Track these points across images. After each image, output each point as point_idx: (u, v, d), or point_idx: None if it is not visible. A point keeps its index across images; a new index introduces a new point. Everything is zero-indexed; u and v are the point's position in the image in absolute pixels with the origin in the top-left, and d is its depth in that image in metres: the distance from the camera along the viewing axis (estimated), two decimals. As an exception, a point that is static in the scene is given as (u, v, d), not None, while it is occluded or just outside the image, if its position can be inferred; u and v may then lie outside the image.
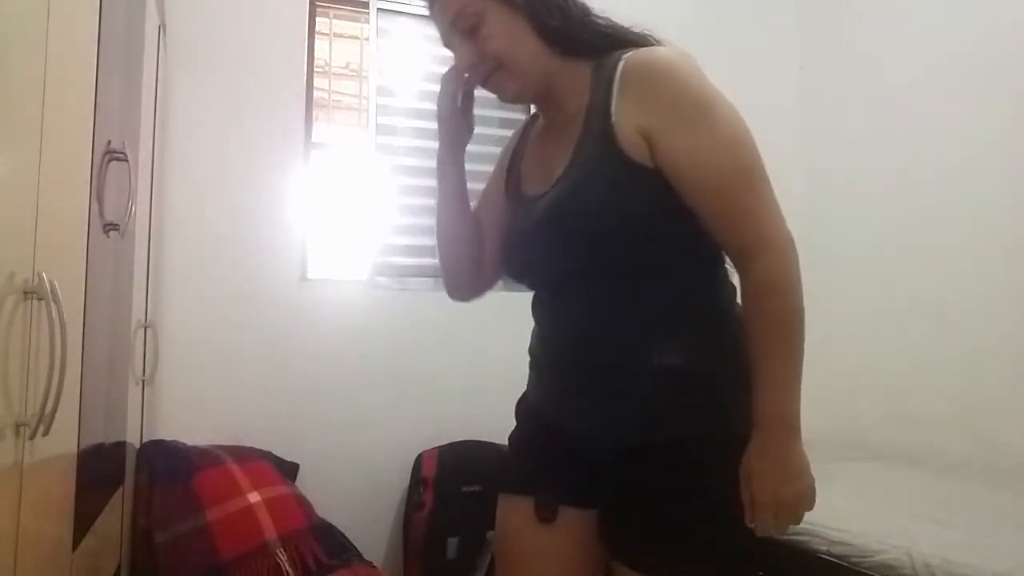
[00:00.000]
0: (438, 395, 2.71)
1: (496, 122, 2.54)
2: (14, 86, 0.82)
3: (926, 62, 2.89)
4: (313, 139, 2.74)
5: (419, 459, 2.59)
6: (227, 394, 2.49)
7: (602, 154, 1.00)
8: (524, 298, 1.18)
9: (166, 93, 2.38)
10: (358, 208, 2.78)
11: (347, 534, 2.26)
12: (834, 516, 1.93)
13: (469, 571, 2.41)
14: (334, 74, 2.93)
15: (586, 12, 1.09)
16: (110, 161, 1.32)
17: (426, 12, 1.13)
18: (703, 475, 1.00)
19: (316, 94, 2.80)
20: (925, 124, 2.88)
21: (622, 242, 1.00)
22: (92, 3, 1.15)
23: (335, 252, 2.80)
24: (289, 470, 2.41)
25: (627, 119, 0.98)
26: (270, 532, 2.05)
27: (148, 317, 2.12)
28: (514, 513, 1.15)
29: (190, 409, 2.41)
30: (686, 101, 0.98)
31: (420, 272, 2.77)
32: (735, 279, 1.06)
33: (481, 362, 2.64)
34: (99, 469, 1.43)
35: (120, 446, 1.73)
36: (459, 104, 1.18)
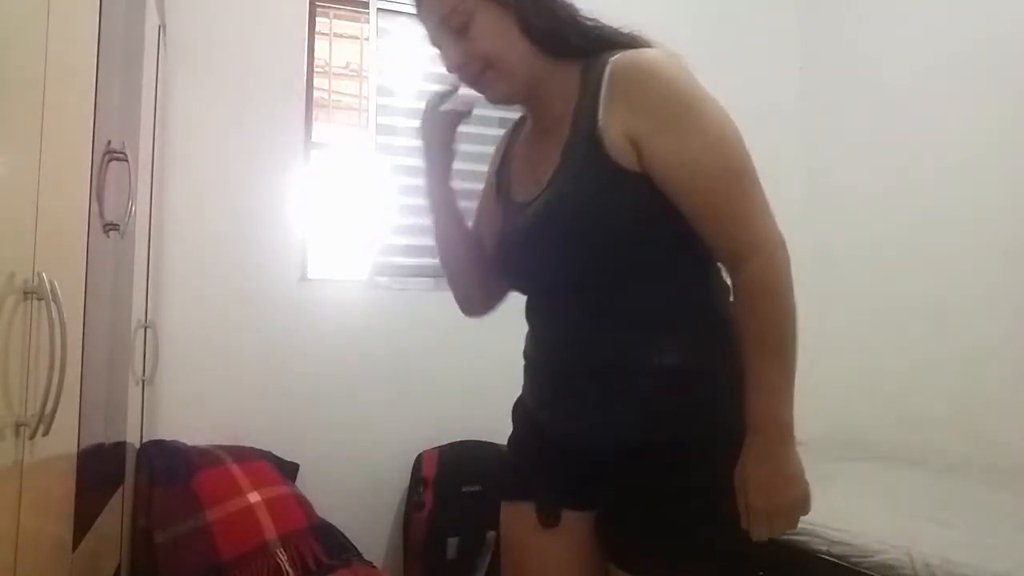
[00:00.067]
0: (438, 395, 2.71)
1: (496, 122, 2.53)
2: (14, 86, 0.82)
3: (926, 62, 2.89)
4: (313, 139, 2.74)
5: (419, 459, 2.59)
6: (227, 394, 2.49)
7: (589, 160, 0.99)
8: (524, 298, 1.18)
9: (166, 93, 2.38)
10: (358, 208, 2.78)
11: (347, 534, 2.26)
12: (834, 516, 1.93)
13: (469, 571, 2.41)
14: (334, 74, 2.93)
15: (574, 13, 1.08)
16: (110, 161, 1.32)
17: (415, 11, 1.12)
18: (703, 475, 1.00)
19: (316, 94, 2.80)
20: (925, 124, 2.88)
21: (612, 247, 0.99)
22: (92, 3, 1.15)
23: (335, 252, 2.80)
24: (289, 470, 2.41)
25: (614, 123, 0.97)
26: (270, 532, 2.05)
27: (148, 317, 2.12)
28: (517, 520, 1.15)
29: (190, 409, 2.41)
30: (674, 103, 0.97)
31: (420, 272, 2.77)
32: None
33: (481, 362, 2.64)
34: (99, 469, 1.43)
35: (120, 446, 1.73)
36: (444, 131, 1.19)
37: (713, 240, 0.99)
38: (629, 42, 1.05)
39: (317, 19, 2.80)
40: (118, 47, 1.44)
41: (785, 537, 1.86)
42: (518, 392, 1.22)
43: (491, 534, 2.41)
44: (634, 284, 1.01)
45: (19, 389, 0.84)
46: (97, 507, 1.40)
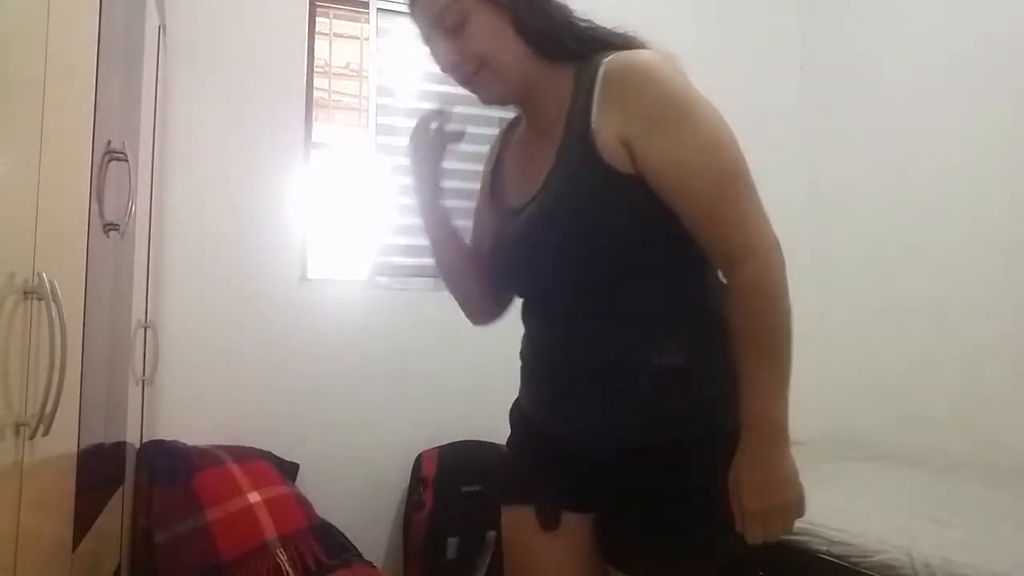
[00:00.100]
0: (438, 395, 2.71)
1: (496, 122, 2.53)
2: (14, 86, 0.82)
3: (926, 62, 2.89)
4: (313, 139, 2.74)
5: (419, 459, 2.59)
6: (227, 394, 2.49)
7: (582, 162, 0.99)
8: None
9: (166, 93, 2.38)
10: (358, 208, 2.78)
11: (347, 534, 2.26)
12: (834, 516, 1.93)
13: (469, 571, 2.41)
14: (334, 74, 2.93)
15: (568, 15, 1.08)
16: (110, 161, 1.32)
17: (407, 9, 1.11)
18: (703, 475, 1.00)
19: (316, 94, 2.80)
20: (925, 124, 2.88)
21: (610, 248, 0.99)
22: (92, 3, 1.15)
23: (335, 252, 2.80)
24: (289, 470, 2.41)
25: (608, 126, 0.97)
26: (270, 532, 2.05)
27: (148, 317, 2.12)
28: (517, 524, 1.15)
29: (190, 409, 2.41)
30: (667, 104, 0.96)
31: (420, 272, 2.77)
32: None
33: (481, 362, 2.63)
34: (99, 469, 1.43)
35: (120, 446, 1.73)
36: (433, 152, 1.19)
37: (707, 242, 0.98)
38: (623, 43, 1.05)
39: (317, 19, 2.80)
40: (118, 47, 1.44)
41: (785, 537, 1.86)
42: (518, 392, 1.22)
43: (491, 534, 2.41)
44: (633, 284, 1.01)
45: (19, 389, 0.84)
46: (97, 507, 1.40)
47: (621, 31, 1.07)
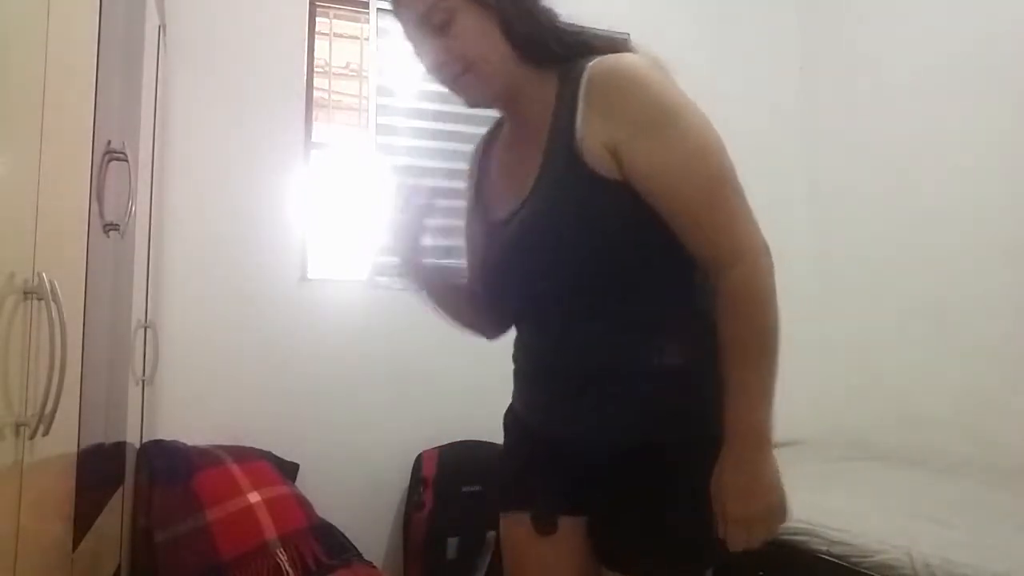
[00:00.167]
0: (438, 395, 2.71)
1: (493, 123, 2.53)
2: (14, 86, 0.82)
3: (926, 62, 2.89)
4: (313, 139, 2.74)
5: (419, 459, 2.59)
6: (227, 394, 2.49)
7: (568, 168, 0.98)
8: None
9: (166, 93, 2.38)
10: (358, 208, 2.78)
11: (347, 534, 2.26)
12: (834, 516, 1.93)
13: (469, 571, 2.41)
14: (334, 74, 2.93)
15: (554, 19, 1.07)
16: (110, 161, 1.32)
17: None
18: (699, 476, 1.00)
19: (316, 94, 2.80)
20: (925, 124, 2.88)
21: (603, 251, 0.99)
22: (92, 3, 1.15)
23: (335, 252, 2.80)
24: (289, 470, 2.41)
25: (593, 133, 0.96)
26: (270, 532, 2.05)
27: (148, 317, 2.12)
28: (515, 530, 1.15)
29: (190, 409, 2.41)
30: (653, 109, 0.95)
31: (420, 272, 2.76)
32: None
33: (481, 362, 2.62)
34: (99, 469, 1.43)
35: (120, 446, 1.73)
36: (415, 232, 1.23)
37: (696, 247, 0.97)
38: (609, 47, 1.03)
39: (317, 19, 2.80)
40: (118, 47, 1.44)
41: (785, 537, 1.86)
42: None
43: (491, 534, 2.41)
44: (626, 287, 1.01)
45: (19, 389, 0.84)
46: (97, 507, 1.40)
47: (607, 35, 1.06)
